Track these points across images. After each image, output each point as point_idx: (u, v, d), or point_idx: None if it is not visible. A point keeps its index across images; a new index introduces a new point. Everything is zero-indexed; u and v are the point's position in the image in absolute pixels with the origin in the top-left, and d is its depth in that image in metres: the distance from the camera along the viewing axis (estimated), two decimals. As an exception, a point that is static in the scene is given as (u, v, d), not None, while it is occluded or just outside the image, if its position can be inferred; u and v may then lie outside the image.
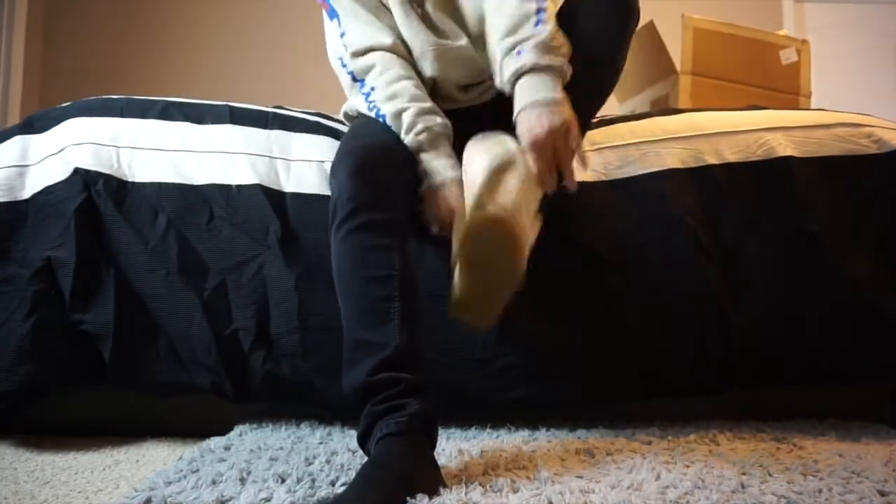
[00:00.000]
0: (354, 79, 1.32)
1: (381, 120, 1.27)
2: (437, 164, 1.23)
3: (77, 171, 1.40)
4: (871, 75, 3.86)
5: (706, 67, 2.24)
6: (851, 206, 1.44)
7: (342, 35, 1.33)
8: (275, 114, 1.52)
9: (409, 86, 1.28)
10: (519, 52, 1.14)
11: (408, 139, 1.24)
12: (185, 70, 3.75)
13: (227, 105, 1.53)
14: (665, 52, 2.31)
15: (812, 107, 2.19)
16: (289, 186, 1.41)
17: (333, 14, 1.35)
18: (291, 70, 3.74)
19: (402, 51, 1.33)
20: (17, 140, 1.47)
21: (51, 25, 3.73)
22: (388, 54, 1.31)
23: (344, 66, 1.34)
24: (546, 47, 1.14)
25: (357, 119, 1.38)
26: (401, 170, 1.20)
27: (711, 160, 1.44)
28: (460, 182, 1.19)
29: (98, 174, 1.40)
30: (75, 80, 3.63)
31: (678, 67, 2.27)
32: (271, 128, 1.48)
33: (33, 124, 1.51)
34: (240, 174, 1.41)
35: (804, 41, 2.33)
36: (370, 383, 1.02)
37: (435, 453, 1.04)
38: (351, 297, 1.09)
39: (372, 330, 1.05)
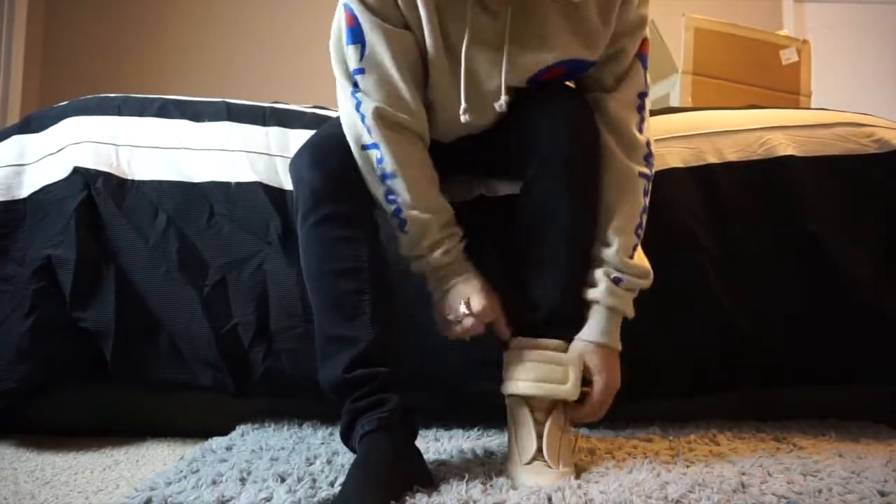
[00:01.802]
0: (372, 141, 1.09)
1: (391, 206, 1.09)
2: (469, 287, 1.11)
3: (76, 169, 1.40)
4: (871, 75, 3.86)
5: (707, 67, 2.24)
6: (852, 205, 1.44)
7: (360, 71, 1.09)
8: (272, 109, 1.52)
9: (433, 193, 1.12)
10: (619, 282, 1.11)
11: (431, 259, 1.10)
12: (185, 69, 3.75)
13: (224, 102, 1.53)
14: (666, 51, 2.31)
15: (812, 106, 2.19)
16: (289, 184, 1.40)
17: (355, 41, 1.09)
18: (289, 67, 3.74)
19: (427, 132, 1.14)
20: (15, 139, 1.47)
21: (51, 25, 3.73)
22: (415, 139, 1.12)
23: (356, 99, 1.10)
24: (635, 292, 1.14)
25: None
26: None
27: (712, 159, 1.44)
28: (482, 279, 1.12)
29: (97, 172, 1.41)
30: (75, 79, 3.63)
31: (679, 67, 2.27)
32: (269, 124, 1.48)
33: (31, 124, 1.51)
34: (239, 172, 1.42)
35: (804, 41, 2.33)
36: (347, 380, 1.02)
37: (437, 453, 1.04)
38: (320, 291, 1.08)
39: (343, 324, 1.04)
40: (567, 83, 1.19)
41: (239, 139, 1.45)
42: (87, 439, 1.38)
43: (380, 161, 1.08)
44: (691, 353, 1.39)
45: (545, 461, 1.03)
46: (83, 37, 3.75)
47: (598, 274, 1.11)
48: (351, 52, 1.09)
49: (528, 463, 1.03)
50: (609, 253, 1.11)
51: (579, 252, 1.12)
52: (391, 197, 1.09)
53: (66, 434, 1.40)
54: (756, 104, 1.87)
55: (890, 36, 3.93)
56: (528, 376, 1.07)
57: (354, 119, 1.09)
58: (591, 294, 1.11)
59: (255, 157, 1.43)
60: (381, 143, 1.08)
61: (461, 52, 1.09)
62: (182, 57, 3.77)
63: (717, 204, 1.42)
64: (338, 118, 1.25)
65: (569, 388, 1.06)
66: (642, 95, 1.17)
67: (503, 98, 1.10)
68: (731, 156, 1.45)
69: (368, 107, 1.08)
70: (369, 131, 1.08)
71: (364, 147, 1.09)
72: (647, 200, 1.16)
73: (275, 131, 1.47)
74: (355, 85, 1.09)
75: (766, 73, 2.28)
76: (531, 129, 1.11)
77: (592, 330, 1.11)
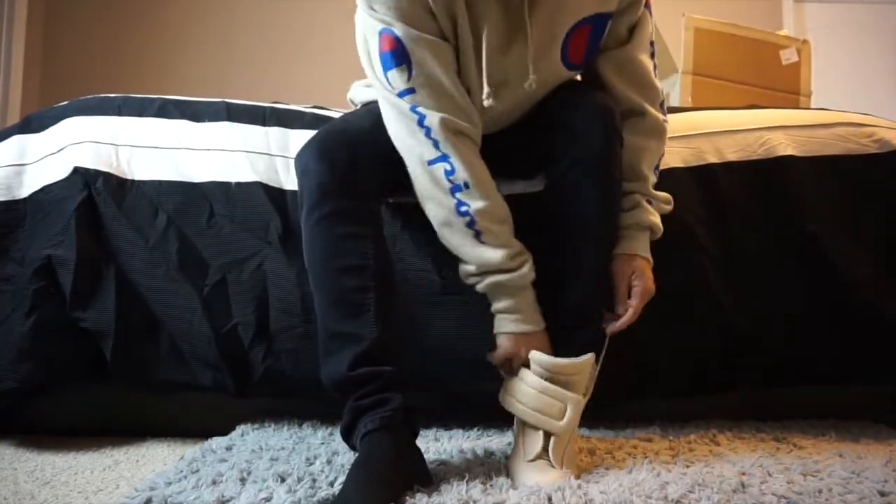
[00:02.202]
0: (442, 153, 1.08)
1: (464, 218, 1.08)
2: (530, 311, 1.11)
3: (77, 169, 1.40)
4: (871, 75, 3.86)
5: (707, 67, 2.24)
6: (852, 205, 1.44)
7: (409, 91, 1.08)
8: (272, 109, 1.52)
9: (503, 202, 1.12)
10: (650, 204, 1.19)
11: (515, 275, 1.09)
12: (185, 69, 3.75)
13: (224, 102, 1.53)
14: (666, 51, 2.31)
15: (812, 106, 2.19)
16: (289, 184, 1.41)
17: (400, 62, 1.08)
18: (289, 67, 3.74)
19: (480, 133, 1.14)
20: (15, 139, 1.47)
21: (51, 25, 3.73)
22: (475, 147, 1.12)
23: (418, 114, 1.09)
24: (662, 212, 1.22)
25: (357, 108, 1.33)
26: (374, 157, 1.12)
27: (712, 159, 1.44)
28: (545, 335, 1.12)
29: (98, 172, 1.41)
30: (75, 79, 3.63)
31: (679, 67, 2.27)
32: (269, 125, 1.48)
33: (31, 123, 1.51)
34: (239, 172, 1.42)
35: (804, 41, 2.33)
36: (350, 378, 1.02)
37: (437, 453, 1.05)
38: (324, 288, 1.07)
39: (347, 321, 1.04)
40: (586, 82, 1.24)
41: (239, 139, 1.45)
42: (87, 439, 1.38)
43: (449, 173, 1.07)
44: (691, 353, 1.39)
45: (549, 460, 1.03)
46: (83, 37, 3.75)
47: (634, 198, 1.18)
48: (396, 75, 1.09)
49: (532, 461, 1.04)
50: (641, 185, 1.19)
51: (604, 249, 1.15)
52: (463, 209, 1.07)
53: (66, 434, 1.40)
54: (756, 104, 1.87)
55: (890, 36, 3.93)
56: (526, 402, 1.07)
57: (416, 136, 1.08)
58: (629, 216, 1.17)
59: (256, 157, 1.43)
60: (451, 153, 1.07)
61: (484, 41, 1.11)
62: (182, 57, 3.77)
63: (717, 204, 1.42)
64: (345, 115, 1.25)
65: (562, 426, 1.05)
66: (652, 44, 1.25)
67: (531, 77, 1.13)
68: (731, 156, 1.45)
69: (434, 119, 1.07)
70: (437, 144, 1.07)
71: (429, 163, 1.08)
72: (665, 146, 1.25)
73: (275, 131, 1.47)
74: (411, 101, 1.09)
75: (766, 73, 2.28)
76: (564, 124, 1.12)
77: (630, 244, 1.16)
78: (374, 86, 1.16)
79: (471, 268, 1.10)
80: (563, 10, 1.14)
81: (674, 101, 2.28)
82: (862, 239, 1.43)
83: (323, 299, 1.07)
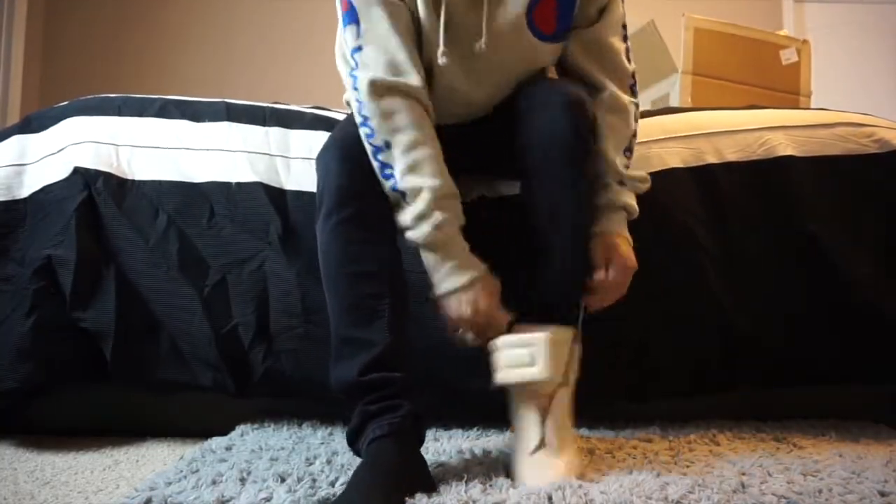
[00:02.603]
0: (362, 117, 1.09)
1: (388, 182, 1.07)
2: (460, 260, 1.07)
3: (77, 170, 1.40)
4: (871, 75, 3.86)
5: (707, 67, 2.24)
6: (852, 205, 1.44)
7: (358, 49, 1.11)
8: (272, 109, 1.52)
9: (432, 157, 1.08)
10: (623, 184, 1.19)
11: (419, 230, 1.05)
12: (185, 69, 3.75)
13: (224, 102, 1.54)
14: (666, 51, 2.31)
15: (812, 107, 2.19)
16: (290, 184, 1.41)
17: (351, 20, 1.12)
18: (289, 67, 3.74)
19: (426, 96, 1.12)
20: (15, 139, 1.47)
21: (51, 25, 3.73)
22: (414, 103, 1.10)
23: (353, 77, 1.11)
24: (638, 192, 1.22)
25: None
26: None
27: (712, 159, 1.44)
28: (489, 277, 1.09)
29: (98, 173, 1.41)
30: (75, 79, 3.63)
31: (679, 67, 2.26)
32: (269, 125, 1.48)
33: (31, 123, 1.51)
34: (239, 172, 1.42)
35: (804, 41, 2.33)
36: (361, 383, 1.02)
37: (437, 453, 1.04)
38: (339, 292, 1.07)
39: (361, 327, 1.04)
40: (560, 79, 1.24)
41: (239, 139, 1.45)
42: (87, 439, 1.38)
43: (368, 136, 1.07)
44: (691, 353, 1.39)
45: (549, 451, 1.02)
46: (83, 36, 3.75)
47: (606, 180, 1.17)
48: (348, 34, 1.11)
49: (532, 453, 1.02)
50: (610, 166, 1.18)
51: (581, 239, 1.14)
52: (387, 172, 1.06)
53: (66, 434, 1.40)
54: (756, 104, 1.87)
55: (890, 36, 3.93)
56: (499, 365, 1.06)
57: (353, 102, 1.10)
58: (599, 196, 1.16)
59: (256, 157, 1.43)
60: (370, 115, 1.07)
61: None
62: (182, 57, 3.77)
63: (717, 204, 1.42)
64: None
65: (537, 369, 1.03)
66: (624, 27, 1.25)
67: (483, 38, 1.14)
68: (731, 156, 1.45)
69: (364, 79, 1.08)
70: (360, 107, 1.08)
71: (359, 125, 1.08)
72: (637, 126, 1.24)
73: (275, 131, 1.47)
74: (354, 64, 1.11)
75: (766, 73, 2.28)
76: (531, 119, 1.12)
77: (603, 224, 1.16)
78: (338, 63, 1.19)
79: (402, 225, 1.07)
80: None
81: (673, 101, 2.28)
82: (862, 239, 1.43)
83: (336, 303, 1.07)
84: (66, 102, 1.57)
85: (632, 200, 1.20)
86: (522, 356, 1.04)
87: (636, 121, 1.24)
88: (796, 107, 2.20)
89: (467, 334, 1.09)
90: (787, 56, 2.29)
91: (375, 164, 1.07)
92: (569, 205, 1.11)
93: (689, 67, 2.25)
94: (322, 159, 1.10)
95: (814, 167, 1.45)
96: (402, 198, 1.06)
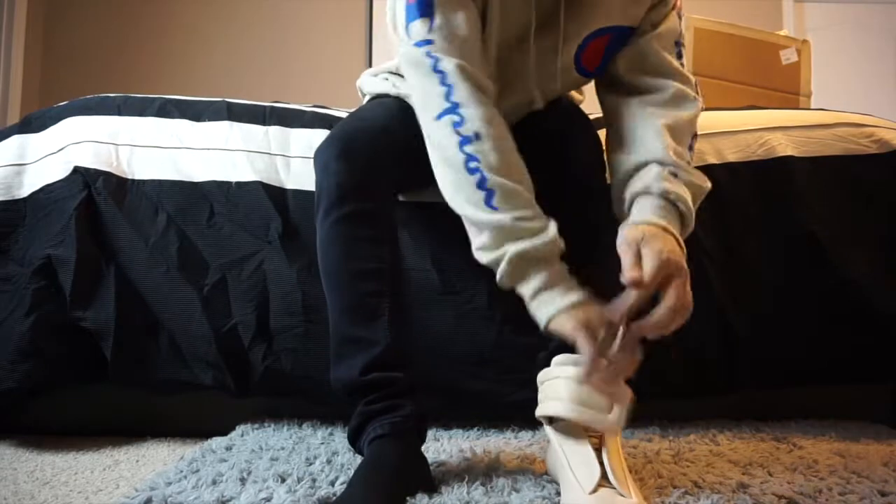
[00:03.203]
0: (451, 103, 0.97)
1: (472, 177, 0.93)
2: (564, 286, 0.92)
3: (77, 169, 1.40)
4: (871, 75, 3.86)
5: (706, 67, 2.24)
6: (851, 206, 1.44)
7: (429, 42, 1.00)
8: (272, 108, 1.52)
9: (521, 162, 0.97)
10: (676, 175, 1.02)
11: (539, 240, 0.91)
12: (185, 69, 3.75)
13: (225, 101, 1.54)
14: (665, 51, 2.30)
15: (812, 107, 2.19)
16: (290, 183, 1.41)
17: (424, 13, 1.01)
18: (289, 67, 3.74)
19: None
20: (14, 139, 1.47)
21: (51, 25, 3.73)
22: (492, 104, 1.00)
23: (430, 52, 1.00)
24: (694, 198, 1.04)
25: (369, 100, 1.31)
26: (391, 155, 1.08)
27: (712, 160, 1.44)
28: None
29: (98, 172, 1.41)
30: (75, 79, 3.63)
31: (678, 67, 2.26)
32: (269, 124, 1.48)
33: (31, 123, 1.51)
34: (239, 171, 1.42)
35: (804, 41, 2.33)
36: (362, 382, 1.01)
37: (437, 453, 1.04)
38: (339, 291, 1.05)
39: (361, 326, 1.03)
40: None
41: (239, 138, 1.45)
42: (87, 439, 1.38)
43: (458, 124, 0.95)
44: (691, 353, 1.39)
45: (614, 488, 0.88)
46: (83, 37, 3.75)
47: (644, 163, 1.02)
48: (418, 26, 1.01)
49: (594, 492, 0.87)
50: (652, 152, 1.02)
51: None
52: (472, 164, 0.93)
53: (66, 434, 1.40)
54: (756, 104, 1.87)
55: (890, 36, 3.93)
56: (564, 396, 0.92)
57: (428, 83, 0.98)
58: (634, 180, 1.01)
59: (256, 156, 1.43)
60: (462, 101, 0.96)
61: (523, 35, 1.07)
62: (182, 57, 3.77)
63: (717, 204, 1.41)
64: (358, 111, 1.23)
65: (612, 419, 0.89)
66: (678, 44, 1.15)
67: (538, 102, 1.10)
68: (731, 156, 1.45)
69: (450, 64, 0.97)
70: (449, 92, 0.96)
71: (438, 117, 0.97)
72: (697, 131, 1.11)
73: (275, 130, 1.47)
74: (424, 47, 1.00)
75: (766, 73, 2.28)
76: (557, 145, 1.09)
77: (636, 213, 0.98)
78: (393, 47, 1.09)
79: (485, 238, 0.93)
80: (591, 14, 1.09)
81: (674, 101, 2.27)
82: (862, 239, 1.43)
83: (337, 302, 1.06)
84: (65, 102, 1.57)
85: (678, 189, 0.99)
86: (599, 399, 0.90)
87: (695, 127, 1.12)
88: (796, 107, 2.20)
89: (597, 375, 0.90)
90: (787, 56, 2.28)
91: (460, 157, 0.94)
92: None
93: (689, 67, 2.24)
94: (320, 156, 1.08)
95: (814, 167, 1.45)
96: (487, 199, 0.92)
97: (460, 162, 0.94)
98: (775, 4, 3.92)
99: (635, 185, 1.01)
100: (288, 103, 1.60)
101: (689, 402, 1.45)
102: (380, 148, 1.08)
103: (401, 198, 1.30)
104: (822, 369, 1.42)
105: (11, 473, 1.17)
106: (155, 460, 1.26)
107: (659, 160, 1.02)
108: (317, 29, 3.82)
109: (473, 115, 0.95)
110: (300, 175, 1.41)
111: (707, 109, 1.66)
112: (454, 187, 0.96)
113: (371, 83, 1.31)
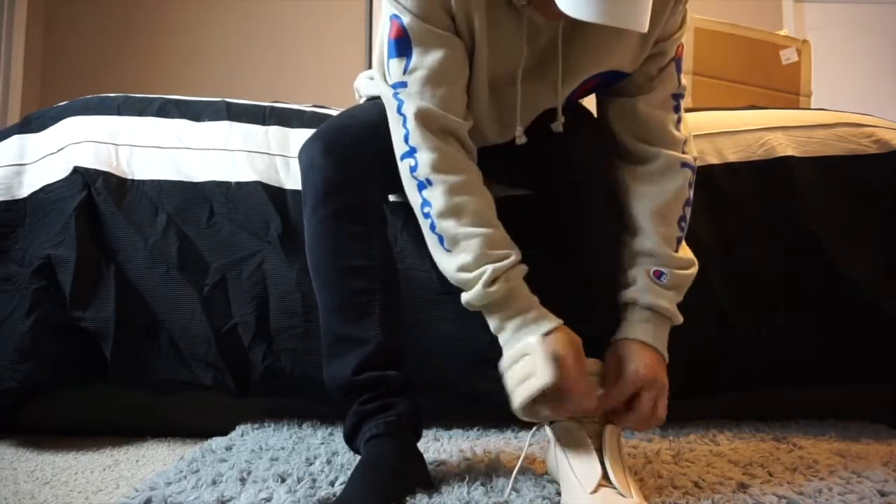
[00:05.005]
0: (409, 147, 0.98)
1: (425, 221, 0.98)
2: (532, 315, 0.95)
3: (76, 169, 1.41)
4: (871, 75, 3.86)
5: (707, 67, 2.24)
6: (851, 206, 1.44)
7: (402, 84, 1.00)
8: (272, 108, 1.52)
9: (480, 207, 0.97)
10: (660, 276, 1.04)
11: (478, 292, 0.94)
12: (185, 69, 3.75)
13: (224, 101, 1.54)
14: (665, 51, 2.30)
15: (812, 107, 2.19)
16: (289, 183, 1.41)
17: (401, 53, 1.00)
18: (289, 67, 3.74)
19: (469, 141, 1.03)
20: (14, 139, 1.47)
21: (51, 25, 3.73)
22: (459, 150, 1.00)
23: (396, 94, 1.01)
24: (680, 292, 1.06)
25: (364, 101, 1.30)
26: (379, 153, 1.04)
27: (712, 160, 1.44)
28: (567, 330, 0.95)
29: (97, 172, 1.41)
30: (75, 79, 3.63)
31: (678, 67, 2.26)
32: (269, 124, 1.48)
33: (31, 123, 1.51)
34: (239, 171, 1.42)
35: (804, 41, 2.33)
36: (355, 382, 1.01)
37: (437, 453, 1.04)
38: (328, 289, 1.04)
39: (352, 324, 1.02)
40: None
41: (239, 138, 1.45)
42: (87, 439, 1.38)
43: (413, 169, 0.97)
44: (691, 353, 1.38)
45: (615, 488, 0.89)
46: (83, 37, 3.75)
47: (634, 271, 1.04)
48: (395, 65, 1.00)
49: (595, 492, 0.88)
50: (648, 244, 1.04)
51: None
52: (426, 210, 0.96)
53: (66, 434, 1.40)
54: (756, 104, 1.87)
55: (890, 36, 3.93)
56: (509, 391, 0.94)
57: (396, 125, 1.00)
58: (627, 294, 1.03)
59: (256, 156, 1.43)
60: (418, 146, 0.97)
61: (515, 74, 1.05)
62: (182, 57, 3.77)
63: (717, 204, 1.42)
64: (349, 109, 1.22)
65: (539, 375, 0.89)
66: (677, 97, 1.12)
67: (560, 119, 1.07)
68: (732, 156, 1.45)
69: (411, 108, 0.98)
70: (407, 136, 0.98)
71: (401, 158, 0.99)
72: (692, 193, 1.10)
73: (275, 130, 1.47)
74: (397, 89, 1.00)
75: (766, 73, 2.28)
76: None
77: (621, 328, 1.02)
78: (375, 76, 1.10)
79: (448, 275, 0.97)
80: (588, 59, 1.06)
81: (674, 101, 2.27)
82: (862, 239, 1.43)
83: (327, 300, 1.05)
84: (65, 102, 1.57)
85: (665, 302, 1.02)
86: (528, 364, 0.92)
87: (691, 187, 1.10)
88: (796, 107, 2.20)
89: (543, 408, 0.92)
90: (787, 56, 2.28)
91: (419, 200, 0.98)
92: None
93: (689, 67, 2.25)
94: (305, 153, 1.06)
95: (814, 167, 1.45)
96: (439, 242, 0.96)
97: (418, 205, 0.99)
98: (775, 4, 3.92)
99: (627, 294, 1.04)
100: (287, 103, 1.60)
101: (689, 402, 1.44)
102: (365, 144, 1.06)
103: (392, 198, 1.29)
104: (822, 369, 1.42)
105: (11, 473, 1.17)
106: (155, 460, 1.26)
107: (648, 251, 1.05)
108: (317, 29, 3.81)
109: (425, 161, 0.97)
110: (300, 175, 1.41)
111: (707, 109, 1.66)
112: (421, 226, 1.00)
113: (367, 85, 1.31)
